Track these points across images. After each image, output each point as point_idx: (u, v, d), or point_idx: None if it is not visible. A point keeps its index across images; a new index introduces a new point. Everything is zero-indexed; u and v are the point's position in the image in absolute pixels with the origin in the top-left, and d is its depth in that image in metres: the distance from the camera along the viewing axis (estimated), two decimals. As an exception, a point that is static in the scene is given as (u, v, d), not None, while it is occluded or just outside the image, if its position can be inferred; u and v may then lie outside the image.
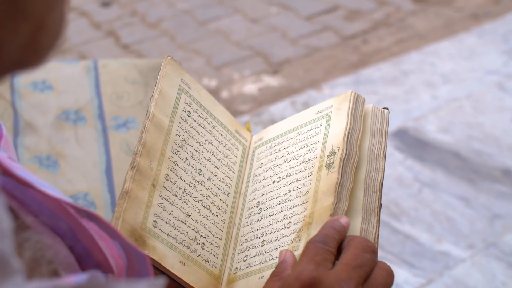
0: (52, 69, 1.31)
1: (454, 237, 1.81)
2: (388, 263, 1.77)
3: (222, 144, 0.80)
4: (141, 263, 0.52)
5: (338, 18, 3.00)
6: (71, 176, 1.14)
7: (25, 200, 0.50)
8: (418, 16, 3.01)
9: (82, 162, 1.16)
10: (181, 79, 0.81)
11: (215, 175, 0.76)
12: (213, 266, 0.69)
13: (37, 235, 0.46)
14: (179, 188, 0.71)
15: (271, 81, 2.55)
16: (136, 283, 0.39)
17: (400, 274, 1.70)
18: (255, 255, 0.69)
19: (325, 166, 0.70)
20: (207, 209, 0.73)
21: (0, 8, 0.31)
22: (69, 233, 0.52)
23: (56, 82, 1.28)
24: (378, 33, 2.88)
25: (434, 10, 3.05)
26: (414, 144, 2.15)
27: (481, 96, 2.39)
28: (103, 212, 1.10)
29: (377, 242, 0.67)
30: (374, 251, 0.58)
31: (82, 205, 1.11)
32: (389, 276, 0.58)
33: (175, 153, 0.73)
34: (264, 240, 0.70)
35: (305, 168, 0.73)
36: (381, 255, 1.71)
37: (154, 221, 0.66)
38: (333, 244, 0.58)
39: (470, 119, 2.26)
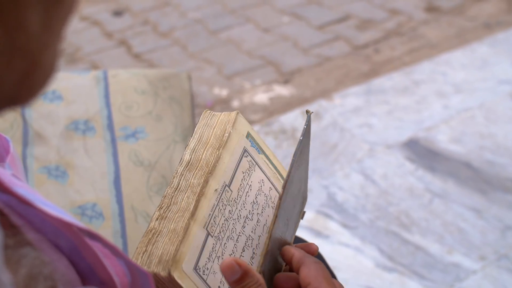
0: (62, 79, 1.31)
1: (465, 249, 1.79)
2: (398, 274, 1.75)
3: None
4: (144, 281, 0.52)
5: (350, 27, 2.99)
6: (80, 186, 1.14)
7: (29, 216, 0.50)
8: (430, 26, 3.00)
9: (91, 173, 1.16)
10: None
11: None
12: None
13: (35, 252, 0.46)
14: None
15: (282, 90, 2.54)
16: None
17: (411, 286, 1.69)
18: None
19: None
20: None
21: None
22: (74, 250, 0.52)
23: (66, 92, 1.28)
24: (390, 42, 2.87)
25: (446, 20, 3.04)
26: (425, 154, 2.13)
27: (493, 106, 2.37)
28: (111, 222, 1.10)
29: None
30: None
31: (90, 215, 1.11)
32: None
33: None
34: None
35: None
36: (391, 266, 1.70)
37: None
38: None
39: (482, 129, 2.25)
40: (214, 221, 0.68)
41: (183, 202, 0.67)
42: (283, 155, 2.13)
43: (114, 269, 0.52)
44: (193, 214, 0.66)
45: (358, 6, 3.16)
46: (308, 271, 0.60)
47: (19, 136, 1.20)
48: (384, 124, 2.28)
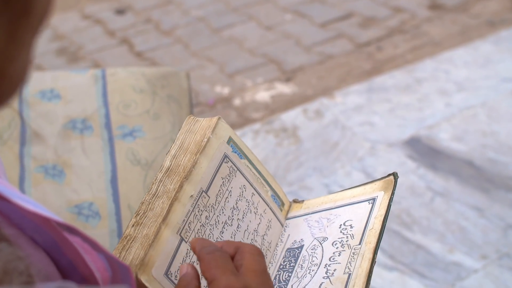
0: (61, 78, 1.31)
1: (466, 248, 1.79)
2: (399, 273, 1.74)
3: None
4: (124, 274, 0.52)
5: (353, 25, 2.98)
6: (77, 185, 1.14)
7: (7, 212, 0.50)
8: (434, 23, 2.99)
9: (88, 172, 1.16)
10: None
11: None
12: None
13: (10, 247, 0.46)
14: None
15: (284, 88, 2.54)
16: None
17: (412, 285, 1.68)
18: None
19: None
20: None
21: None
22: (54, 246, 0.52)
23: (64, 91, 1.28)
24: (392, 40, 2.86)
25: (450, 17, 3.03)
26: (427, 152, 2.12)
27: (496, 104, 2.36)
28: (107, 221, 1.10)
29: None
30: (263, 256, 0.60)
31: (86, 214, 1.11)
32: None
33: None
34: None
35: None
36: (392, 265, 1.70)
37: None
38: (228, 250, 0.59)
39: (484, 127, 2.24)
40: (189, 227, 0.67)
41: (158, 208, 0.67)
42: (284, 153, 2.13)
43: (95, 264, 0.52)
44: (165, 218, 0.65)
45: (361, 3, 3.15)
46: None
47: (17, 135, 1.19)
48: (385, 122, 2.27)
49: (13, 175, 1.13)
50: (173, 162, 0.71)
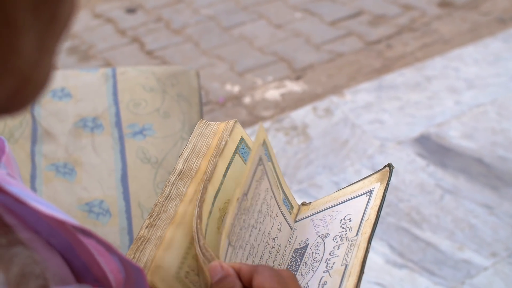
0: (71, 77, 1.32)
1: (476, 245, 1.79)
2: (408, 271, 1.75)
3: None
4: (138, 276, 0.53)
5: (362, 23, 2.98)
6: (87, 184, 1.15)
7: (24, 215, 0.51)
8: (444, 21, 2.98)
9: (98, 170, 1.17)
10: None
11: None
12: None
13: (27, 251, 0.47)
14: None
15: (294, 86, 2.54)
16: None
17: (421, 282, 1.69)
18: None
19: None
20: None
21: None
22: (68, 248, 0.53)
23: (74, 90, 1.29)
24: (402, 38, 2.86)
25: (459, 15, 3.02)
26: (437, 150, 2.12)
27: (506, 101, 2.35)
28: (117, 219, 1.11)
29: None
30: (283, 282, 0.60)
31: (97, 212, 1.12)
32: None
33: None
34: None
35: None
36: (401, 263, 1.70)
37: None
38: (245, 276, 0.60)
39: (494, 125, 2.24)
40: (233, 230, 0.68)
41: (171, 210, 0.68)
42: (294, 151, 2.13)
43: (108, 266, 0.53)
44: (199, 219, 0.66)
45: (370, 1, 3.15)
46: (263, 277, 0.59)
47: (28, 133, 1.21)
48: (395, 120, 2.28)
49: (25, 173, 1.14)
50: (185, 165, 0.72)
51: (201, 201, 0.67)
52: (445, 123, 2.25)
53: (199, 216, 0.65)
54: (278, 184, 0.81)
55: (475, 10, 3.05)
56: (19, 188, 0.47)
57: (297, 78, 2.60)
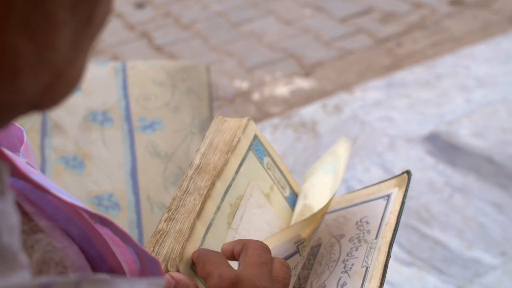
0: (81, 71, 1.32)
1: (485, 244, 1.78)
2: (417, 269, 1.73)
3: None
4: (153, 267, 0.53)
5: (373, 20, 2.97)
6: (97, 177, 1.15)
7: (41, 204, 0.52)
8: (455, 19, 2.97)
9: (108, 163, 1.17)
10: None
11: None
12: None
13: (48, 238, 0.48)
14: None
15: (303, 83, 2.54)
16: (137, 281, 0.40)
17: (429, 281, 1.68)
18: None
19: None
20: None
21: (27, 59, 0.33)
22: (84, 237, 0.53)
23: (84, 83, 1.29)
24: (412, 35, 2.84)
25: (471, 13, 3.01)
26: (446, 148, 2.11)
27: (516, 100, 2.34)
28: (127, 212, 1.10)
29: None
30: (269, 251, 0.62)
31: (106, 205, 1.12)
32: (288, 269, 0.62)
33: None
34: None
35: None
36: (410, 261, 1.69)
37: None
38: (237, 249, 0.63)
39: (504, 123, 2.22)
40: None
41: (190, 204, 0.69)
42: (302, 148, 2.12)
43: (124, 256, 0.53)
44: (198, 214, 0.67)
45: (381, -1, 3.14)
46: (250, 241, 0.62)
47: (38, 126, 1.21)
48: (405, 117, 2.27)
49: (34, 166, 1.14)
50: (202, 160, 0.73)
51: (206, 196, 0.69)
52: (455, 121, 2.24)
53: (198, 213, 0.67)
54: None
55: (486, 9, 3.04)
56: (40, 177, 0.47)
57: (306, 74, 2.59)
